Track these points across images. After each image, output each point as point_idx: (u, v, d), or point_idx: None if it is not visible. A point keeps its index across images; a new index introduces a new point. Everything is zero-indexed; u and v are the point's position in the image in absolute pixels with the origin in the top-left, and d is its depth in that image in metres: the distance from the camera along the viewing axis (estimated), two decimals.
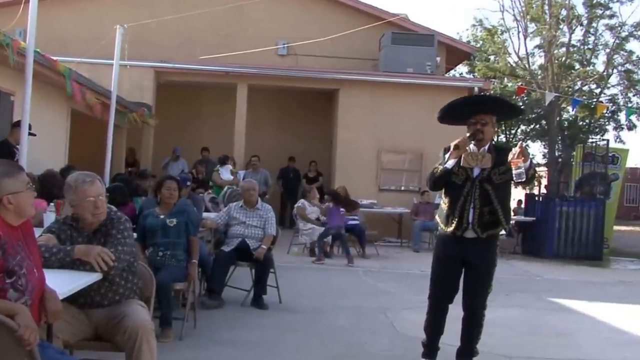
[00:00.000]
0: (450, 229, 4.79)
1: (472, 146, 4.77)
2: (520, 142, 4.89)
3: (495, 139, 5.19)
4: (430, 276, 5.01)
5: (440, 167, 4.81)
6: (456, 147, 4.70)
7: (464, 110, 4.95)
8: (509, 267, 12.15)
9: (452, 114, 5.06)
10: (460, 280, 4.93)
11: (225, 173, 13.18)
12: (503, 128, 32.54)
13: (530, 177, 4.53)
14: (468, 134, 4.77)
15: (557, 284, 10.85)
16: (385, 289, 9.19)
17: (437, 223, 5.09)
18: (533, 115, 30.63)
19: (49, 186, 6.24)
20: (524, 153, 4.45)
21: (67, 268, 3.60)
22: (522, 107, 5.33)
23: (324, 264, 11.21)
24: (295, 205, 12.57)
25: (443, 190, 4.95)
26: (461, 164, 4.72)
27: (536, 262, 13.49)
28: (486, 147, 4.80)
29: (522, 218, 15.44)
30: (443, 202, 4.96)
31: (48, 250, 3.61)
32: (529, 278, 11.28)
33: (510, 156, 4.52)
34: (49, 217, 5.29)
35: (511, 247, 15.04)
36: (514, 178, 4.51)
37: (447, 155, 4.80)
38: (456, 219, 4.75)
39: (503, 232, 4.97)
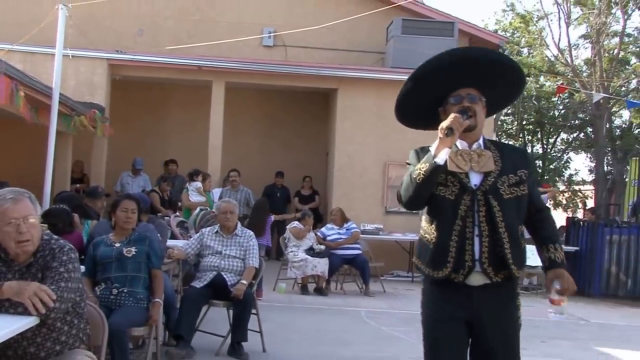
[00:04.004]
0: (443, 273, 3.77)
1: (458, 143, 3.86)
2: (563, 285, 3.78)
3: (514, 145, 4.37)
4: (423, 343, 3.99)
5: (424, 167, 3.72)
6: (448, 130, 3.68)
7: (434, 88, 3.94)
8: (547, 308, 12.10)
9: (416, 100, 4.05)
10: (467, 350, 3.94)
11: (193, 192, 13.13)
12: (539, 136, 32.66)
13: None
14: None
15: (607, 329, 10.83)
16: (393, 335, 9.17)
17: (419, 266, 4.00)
18: (576, 122, 30.74)
19: None
20: (571, 286, 3.78)
21: None
22: (523, 71, 4.13)
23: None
24: (289, 226, 12.59)
25: (424, 213, 3.98)
26: (448, 168, 3.77)
27: (580, 302, 13.44)
28: (480, 141, 3.92)
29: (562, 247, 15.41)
30: (424, 233, 3.93)
31: None
32: (571, 322, 11.24)
33: (552, 293, 3.80)
34: None
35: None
36: (550, 313, 3.93)
37: (432, 148, 3.75)
38: (452, 257, 3.74)
39: (537, 263, 4.28)
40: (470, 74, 3.87)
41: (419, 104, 4.04)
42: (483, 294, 3.76)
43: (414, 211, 4.00)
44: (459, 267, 3.72)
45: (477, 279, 3.75)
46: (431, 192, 3.78)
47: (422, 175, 3.68)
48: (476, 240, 3.73)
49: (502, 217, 3.72)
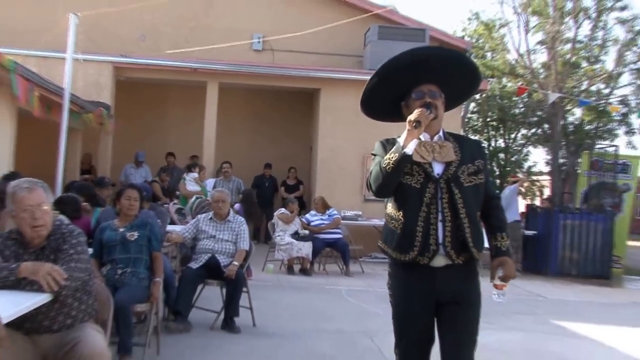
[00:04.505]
0: (410, 256, 3.71)
1: (421, 135, 3.73)
2: (506, 267, 3.84)
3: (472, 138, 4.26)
4: (392, 321, 3.96)
5: (393, 157, 3.63)
6: (416, 123, 3.61)
7: (397, 84, 3.87)
8: (508, 286, 12.18)
9: (380, 95, 3.96)
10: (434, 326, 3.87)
11: (190, 182, 13.11)
12: (502, 132, 32.79)
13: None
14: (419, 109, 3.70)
15: (562, 305, 10.91)
16: (371, 311, 9.16)
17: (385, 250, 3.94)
18: (534, 119, 30.86)
19: None
20: (512, 273, 3.83)
21: (12, 288, 3.56)
22: (477, 68, 4.01)
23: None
24: (276, 213, 12.59)
25: (391, 201, 3.86)
26: (413, 159, 3.67)
27: (538, 281, 13.54)
28: (440, 133, 3.84)
29: (522, 232, 15.51)
30: (390, 219, 3.83)
31: None
32: (530, 298, 11.32)
33: (495, 279, 3.82)
34: None
35: None
36: (493, 296, 3.84)
37: (400, 140, 3.68)
38: (419, 241, 3.67)
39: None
40: (430, 71, 3.79)
41: (383, 99, 3.96)
42: (446, 275, 3.69)
43: (382, 199, 3.93)
44: (424, 250, 3.65)
45: (440, 261, 3.68)
46: (398, 181, 3.69)
47: (391, 165, 3.60)
48: (440, 225, 3.65)
49: (462, 204, 3.67)
